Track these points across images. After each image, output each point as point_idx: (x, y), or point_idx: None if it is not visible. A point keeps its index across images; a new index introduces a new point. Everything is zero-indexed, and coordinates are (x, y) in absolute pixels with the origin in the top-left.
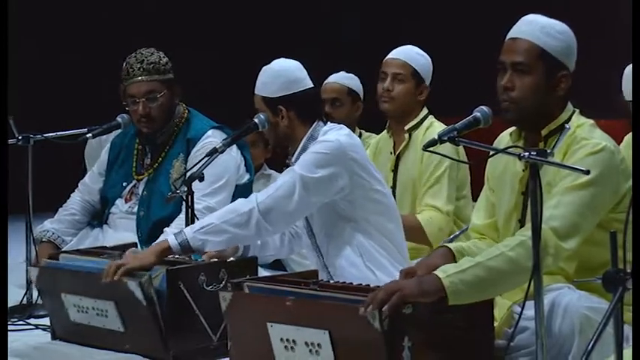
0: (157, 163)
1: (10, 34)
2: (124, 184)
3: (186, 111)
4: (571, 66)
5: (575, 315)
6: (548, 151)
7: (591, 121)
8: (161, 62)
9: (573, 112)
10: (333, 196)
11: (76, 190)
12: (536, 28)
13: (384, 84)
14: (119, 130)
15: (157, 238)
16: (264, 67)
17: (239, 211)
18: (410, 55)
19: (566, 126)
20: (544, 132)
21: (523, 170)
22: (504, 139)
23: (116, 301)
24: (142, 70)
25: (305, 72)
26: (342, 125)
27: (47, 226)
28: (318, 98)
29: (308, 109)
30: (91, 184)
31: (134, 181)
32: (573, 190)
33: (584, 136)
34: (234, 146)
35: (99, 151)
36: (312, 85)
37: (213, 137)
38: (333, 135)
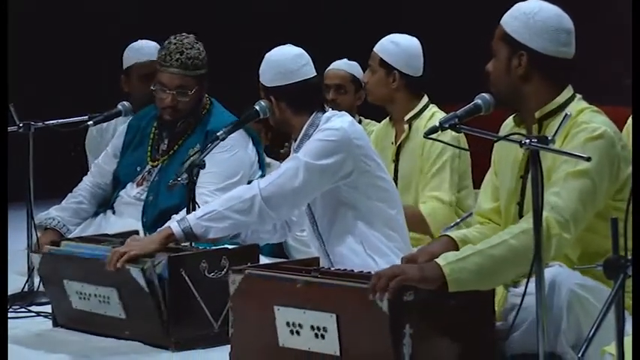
0: (172, 150)
1: (10, 21)
2: (138, 168)
3: (209, 102)
4: (535, 45)
5: (564, 291)
6: (549, 137)
7: (594, 107)
8: (199, 57)
9: (573, 96)
10: (337, 182)
11: (88, 173)
12: (509, 11)
13: None
14: (121, 117)
15: (161, 226)
16: (267, 54)
17: (241, 197)
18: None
19: (567, 113)
20: (537, 114)
21: (523, 154)
22: (509, 123)
23: (118, 288)
24: (179, 62)
25: (304, 61)
26: (343, 112)
27: (53, 214)
28: (315, 89)
29: (301, 101)
30: (104, 165)
31: (148, 166)
32: (575, 177)
33: (584, 120)
34: (250, 142)
35: (99, 140)
36: (312, 75)
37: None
38: (338, 122)
